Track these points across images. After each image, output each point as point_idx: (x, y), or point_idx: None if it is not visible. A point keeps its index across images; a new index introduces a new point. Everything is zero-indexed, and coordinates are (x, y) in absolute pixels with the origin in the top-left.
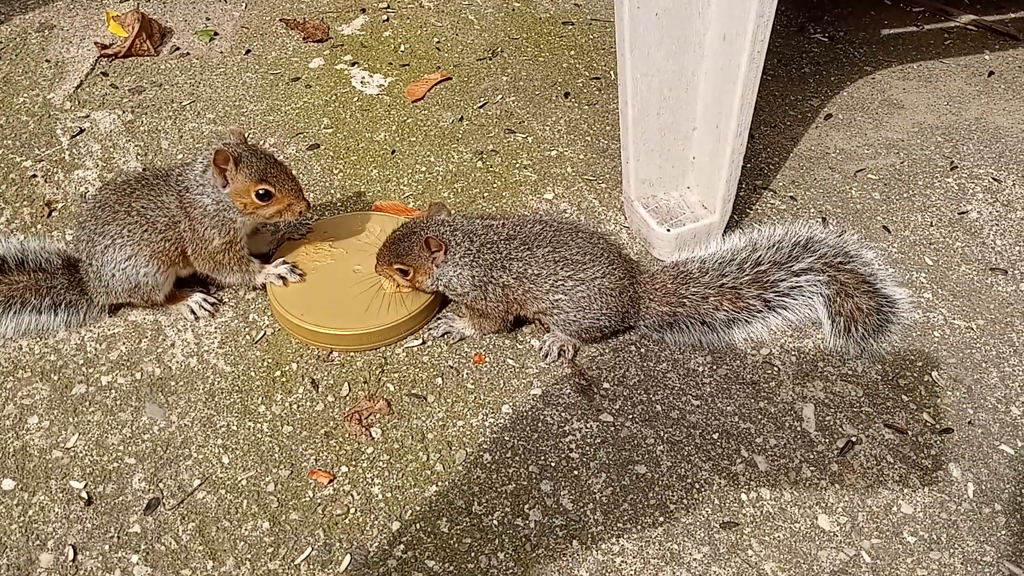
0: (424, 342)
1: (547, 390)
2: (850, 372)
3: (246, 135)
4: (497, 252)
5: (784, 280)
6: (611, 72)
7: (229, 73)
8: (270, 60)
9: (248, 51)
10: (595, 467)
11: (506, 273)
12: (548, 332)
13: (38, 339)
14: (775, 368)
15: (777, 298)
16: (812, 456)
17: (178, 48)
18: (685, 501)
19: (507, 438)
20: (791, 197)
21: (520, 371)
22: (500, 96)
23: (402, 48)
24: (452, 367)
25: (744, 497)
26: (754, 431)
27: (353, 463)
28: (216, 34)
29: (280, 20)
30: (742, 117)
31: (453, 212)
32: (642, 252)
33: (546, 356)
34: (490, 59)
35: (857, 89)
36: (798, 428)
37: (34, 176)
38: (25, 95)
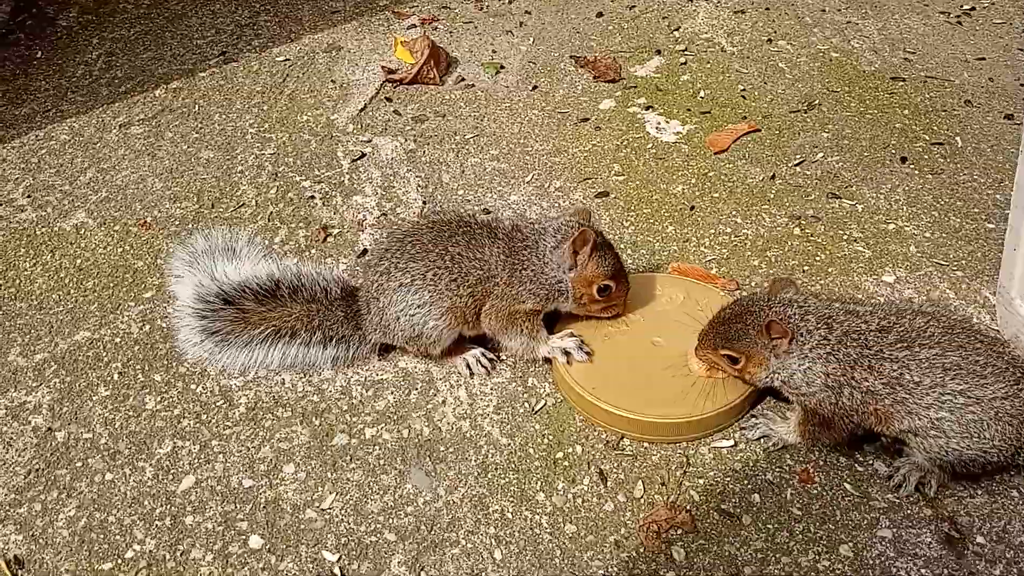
0: (736, 444)
1: (899, 533)
2: None
3: (591, 215)
4: (864, 347)
5: None
6: (957, 138)
7: (514, 109)
8: (557, 98)
9: (535, 87)
10: None
11: (874, 376)
12: (902, 455)
13: (301, 375)
14: None
15: None
16: None
17: (463, 79)
18: None
19: None
20: None
21: (861, 502)
22: (820, 154)
23: (702, 94)
24: (771, 482)
25: None
26: None
27: None
28: (502, 67)
29: (569, 57)
30: None
31: (803, 291)
32: None
33: (898, 488)
34: (805, 112)
35: None
36: None
37: (312, 198)
38: (309, 114)
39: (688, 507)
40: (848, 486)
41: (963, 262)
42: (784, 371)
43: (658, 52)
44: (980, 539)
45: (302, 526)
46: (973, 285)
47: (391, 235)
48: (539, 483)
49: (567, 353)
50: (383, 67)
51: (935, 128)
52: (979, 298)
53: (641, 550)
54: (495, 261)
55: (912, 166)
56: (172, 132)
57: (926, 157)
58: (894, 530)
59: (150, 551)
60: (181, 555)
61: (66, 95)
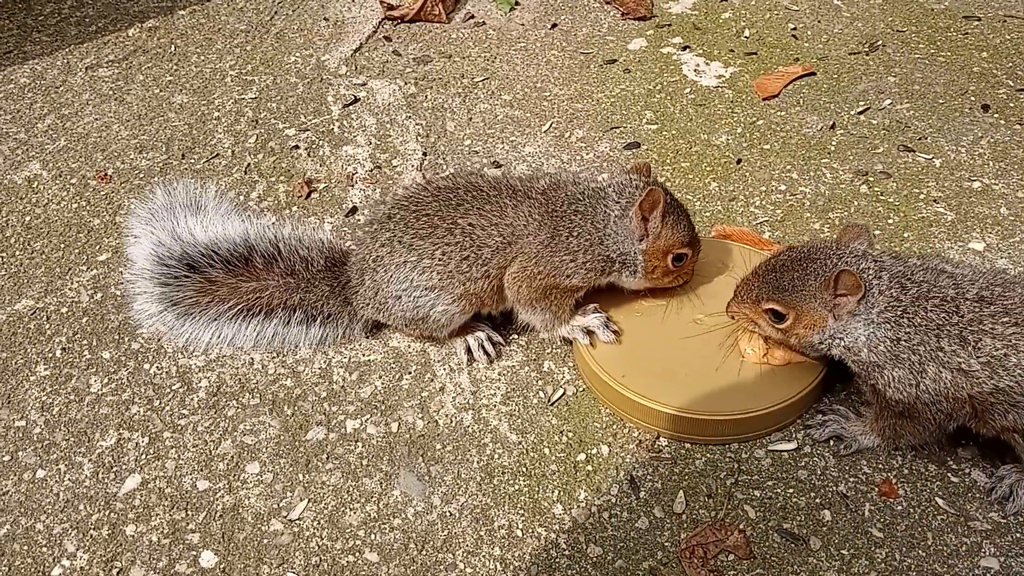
0: (799, 447)
1: (1008, 563)
2: None
3: (651, 168)
4: (954, 314)
5: None
6: None
7: (531, 49)
8: (580, 37)
9: (554, 25)
10: None
11: (968, 352)
12: (1006, 462)
13: (273, 355)
14: None
15: None
16: None
17: (472, 16)
18: None
19: None
20: None
21: (958, 522)
22: (888, 101)
23: (747, 33)
24: (844, 495)
25: None
26: None
27: None
28: (517, 3)
29: None
30: None
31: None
32: None
33: (1004, 501)
34: (867, 54)
35: None
36: None
37: (296, 147)
38: (297, 54)
39: (741, 526)
40: (941, 501)
41: None
42: (845, 337)
43: None
44: None
45: (265, 541)
46: None
47: (394, 201)
48: (556, 492)
49: (590, 332)
50: (382, 2)
51: (1020, 73)
52: None
53: None
54: (523, 223)
55: (996, 115)
56: (143, 75)
57: (1012, 105)
58: (1001, 559)
59: (81, 567)
60: (117, 574)
61: (31, 35)
